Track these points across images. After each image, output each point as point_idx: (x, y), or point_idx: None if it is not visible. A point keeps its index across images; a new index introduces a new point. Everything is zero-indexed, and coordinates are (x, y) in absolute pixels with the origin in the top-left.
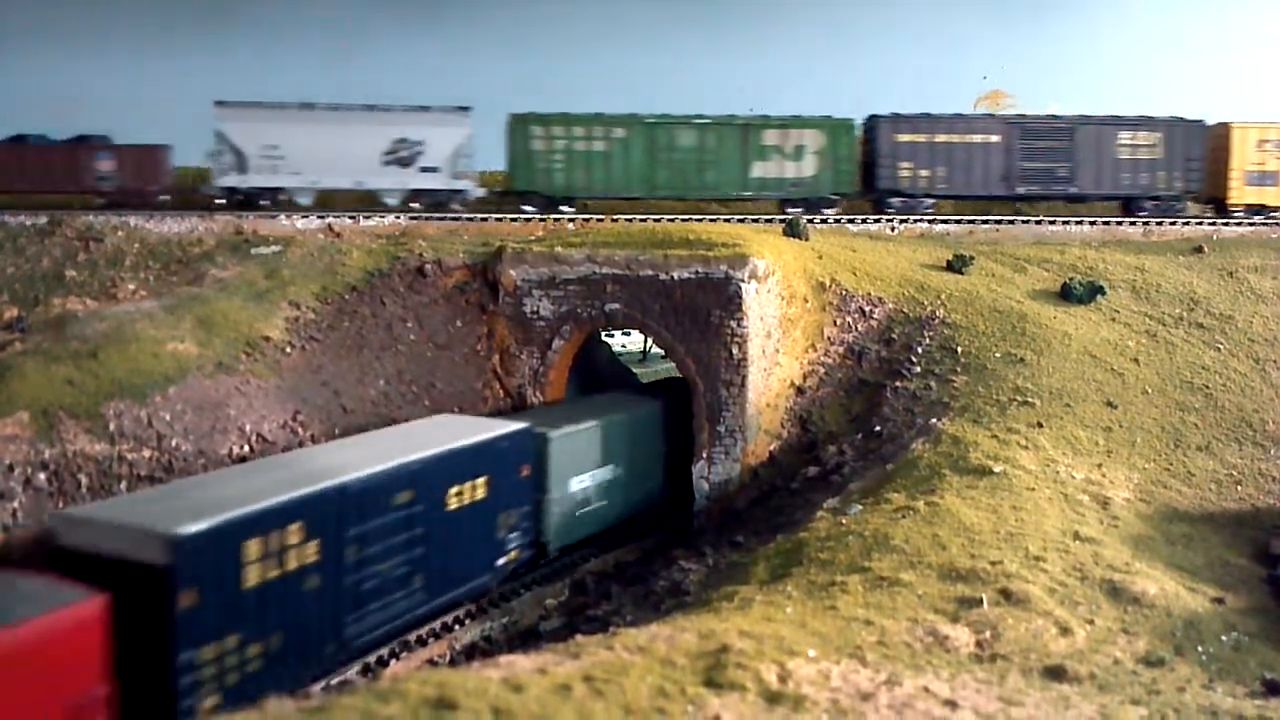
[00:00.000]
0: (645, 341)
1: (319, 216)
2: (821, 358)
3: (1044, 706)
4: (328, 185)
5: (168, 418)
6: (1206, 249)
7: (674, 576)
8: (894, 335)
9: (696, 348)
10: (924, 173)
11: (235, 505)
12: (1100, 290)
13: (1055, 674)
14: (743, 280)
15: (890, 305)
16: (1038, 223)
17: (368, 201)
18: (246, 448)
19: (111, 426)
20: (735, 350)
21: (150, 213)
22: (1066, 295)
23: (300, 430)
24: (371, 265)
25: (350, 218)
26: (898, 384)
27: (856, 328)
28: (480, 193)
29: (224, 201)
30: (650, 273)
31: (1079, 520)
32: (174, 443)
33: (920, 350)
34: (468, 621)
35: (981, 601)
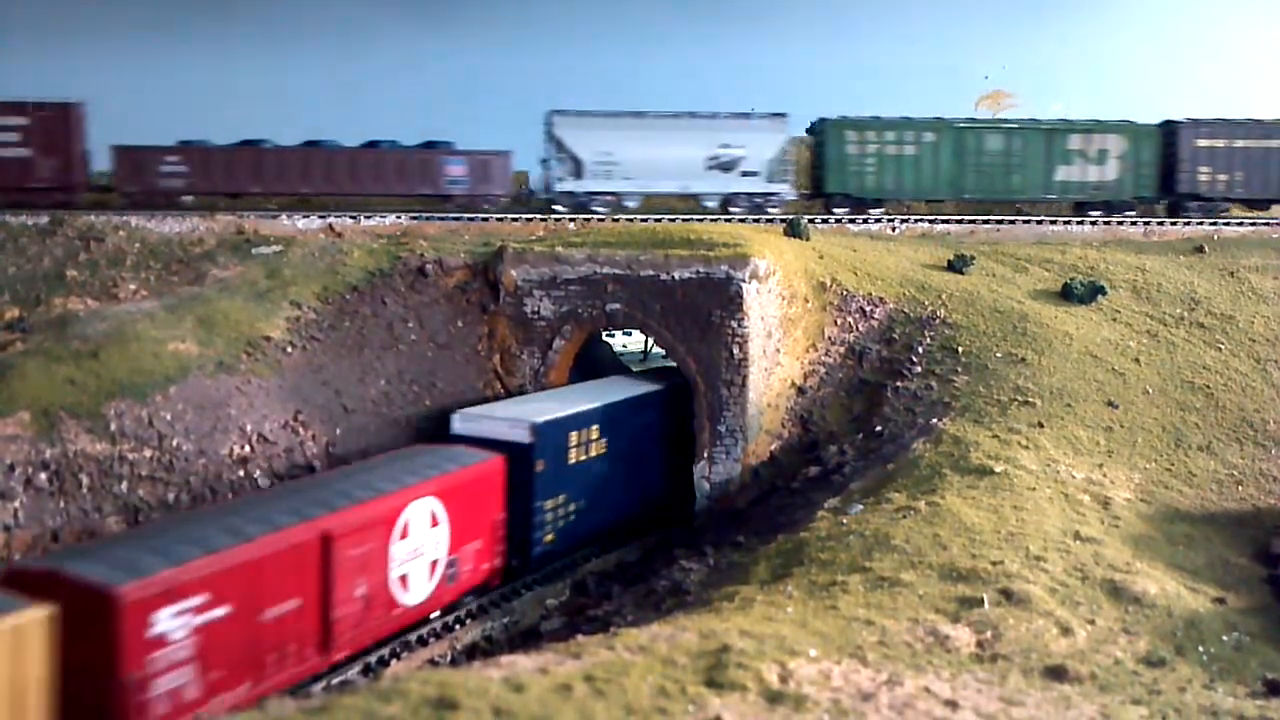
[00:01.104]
0: (646, 342)
1: (320, 216)
2: (822, 357)
3: (1045, 706)
4: (655, 190)
5: (169, 417)
6: (1207, 249)
7: (675, 576)
8: (895, 335)
9: (697, 348)
10: (1223, 177)
11: (565, 409)
12: (1101, 290)
13: (1056, 674)
14: (744, 280)
15: (891, 305)
16: (1039, 223)
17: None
18: (247, 447)
19: (112, 426)
20: (736, 350)
21: (151, 212)
22: (1067, 295)
23: (301, 430)
24: (373, 265)
25: (351, 217)
26: (899, 384)
27: (857, 327)
28: (793, 195)
29: (561, 207)
30: (651, 273)
31: (1080, 520)
32: (175, 442)
33: (921, 350)
34: (468, 621)
35: (982, 601)
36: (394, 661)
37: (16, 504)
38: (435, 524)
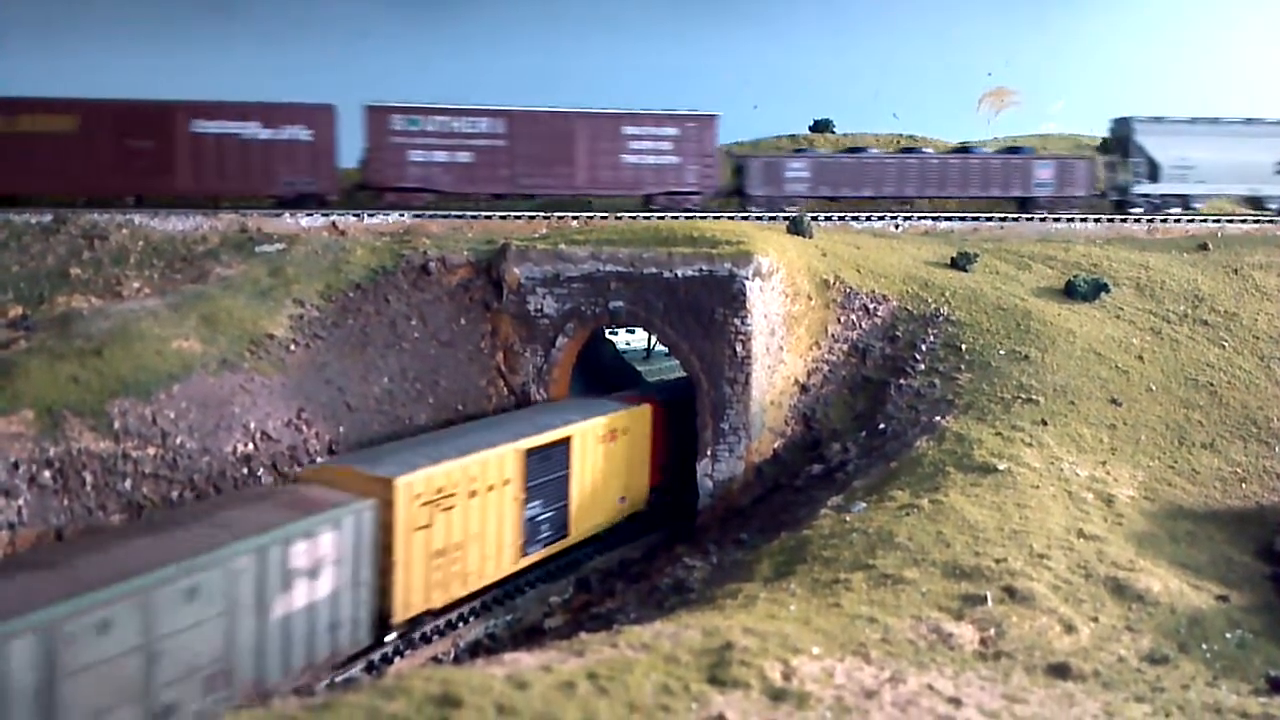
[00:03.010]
0: (649, 339)
1: (323, 214)
2: (825, 355)
3: (1048, 704)
4: (1224, 193)
5: (172, 415)
6: (1211, 246)
7: (678, 574)
8: (898, 332)
9: (700, 345)
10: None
11: None
12: (1104, 287)
13: (1059, 671)
14: (747, 278)
15: (894, 302)
16: (1041, 220)
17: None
18: (251, 445)
19: (116, 424)
20: (739, 348)
21: (154, 210)
22: (1071, 292)
23: (304, 428)
24: (375, 263)
25: (354, 215)
26: (902, 381)
27: (860, 325)
28: None
29: (1137, 209)
30: (654, 270)
31: (1083, 518)
32: (178, 440)
33: (924, 347)
34: (472, 619)
35: (986, 599)
36: (397, 659)
37: (20, 502)
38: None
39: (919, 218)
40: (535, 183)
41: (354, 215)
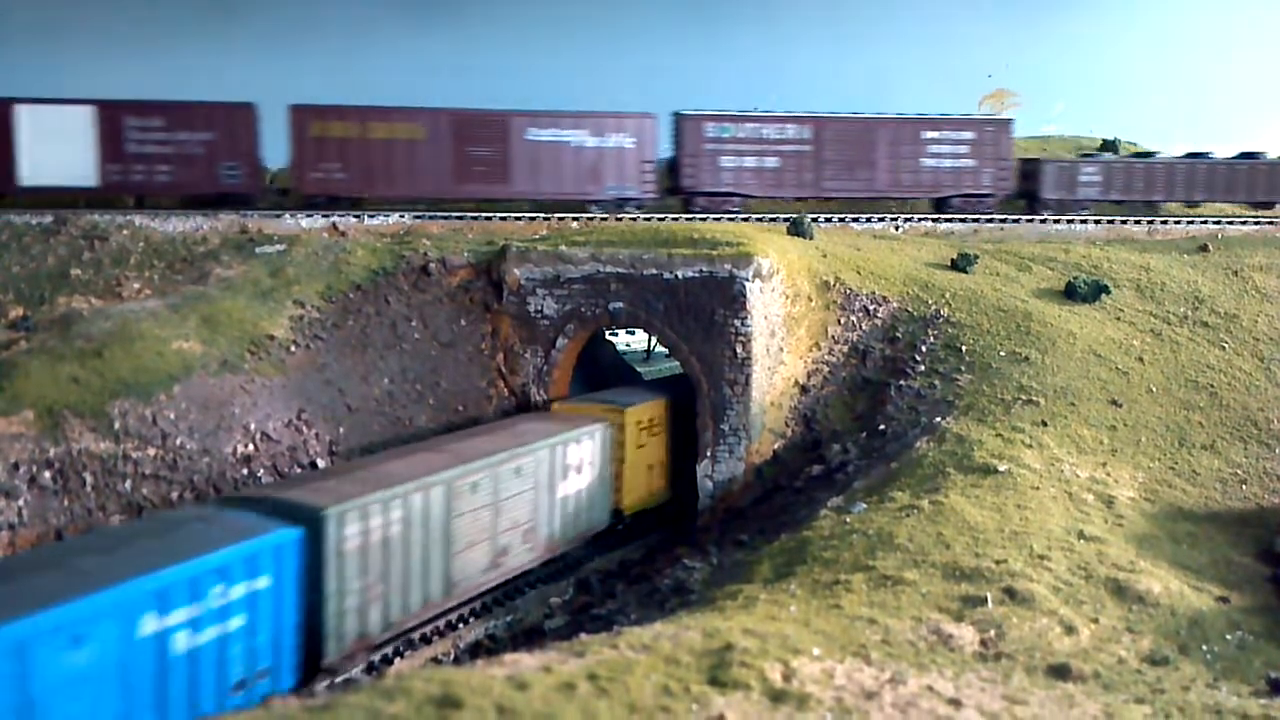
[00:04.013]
0: (649, 340)
1: (323, 215)
2: (825, 356)
3: (1048, 705)
4: None
5: (172, 416)
6: (1211, 247)
7: (678, 575)
8: (898, 334)
9: (701, 346)
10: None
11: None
12: (1105, 289)
13: (1060, 673)
14: (747, 279)
15: (894, 304)
16: (1041, 221)
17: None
18: (251, 446)
19: (116, 425)
20: (739, 349)
21: (154, 211)
22: (1071, 294)
23: (304, 429)
24: (376, 264)
25: (355, 217)
26: (902, 382)
27: (861, 326)
28: None
29: None
30: (654, 271)
31: (1083, 519)
32: (179, 441)
33: (924, 349)
34: (472, 620)
35: (986, 600)
36: (397, 660)
37: (20, 502)
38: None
39: (919, 219)
40: (839, 186)
41: (354, 216)
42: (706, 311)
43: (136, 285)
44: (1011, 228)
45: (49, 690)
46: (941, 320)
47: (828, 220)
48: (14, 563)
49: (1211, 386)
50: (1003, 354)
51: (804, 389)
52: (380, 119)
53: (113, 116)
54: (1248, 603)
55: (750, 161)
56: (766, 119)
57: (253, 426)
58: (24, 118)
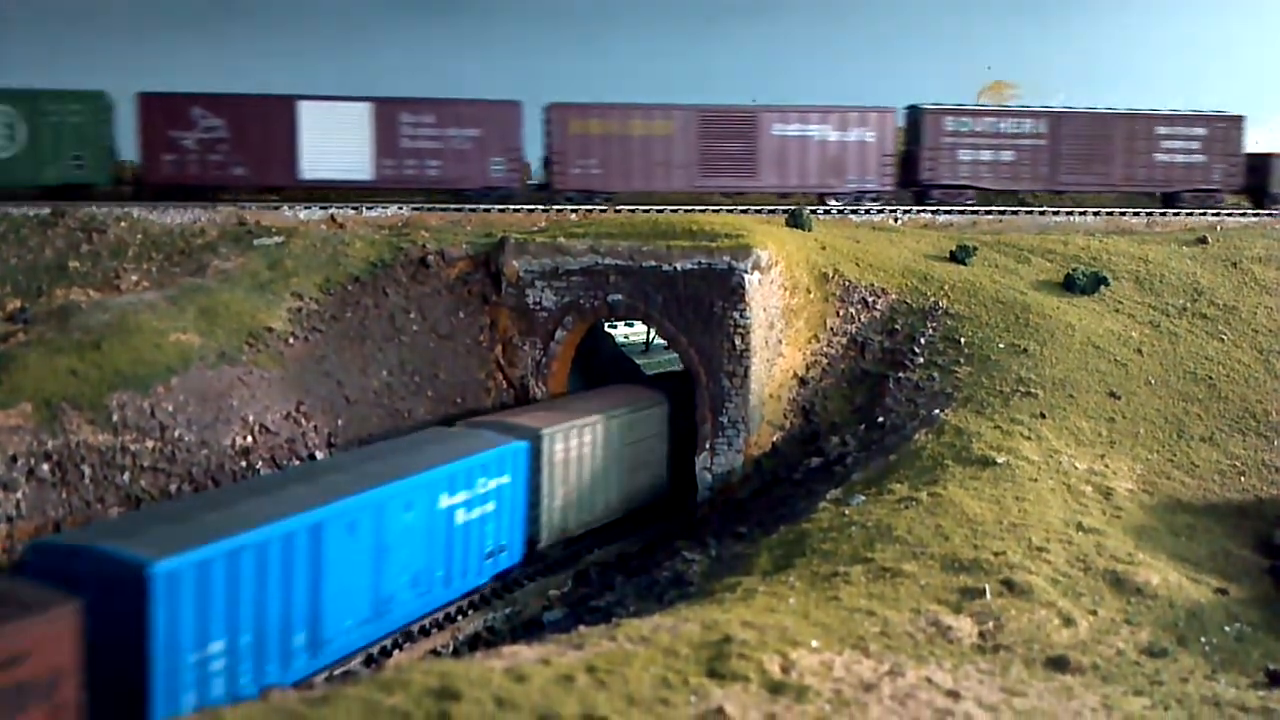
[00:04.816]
0: (648, 332)
1: (321, 207)
2: (824, 348)
3: (1047, 697)
4: None
5: (170, 408)
6: (1210, 239)
7: (677, 567)
8: (897, 326)
9: (699, 339)
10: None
11: None
12: (1104, 281)
13: (1058, 664)
14: (746, 271)
15: (893, 296)
16: (1040, 213)
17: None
18: (249, 438)
19: (115, 417)
20: (738, 341)
21: (153, 203)
22: (1070, 286)
23: (303, 421)
24: (374, 256)
25: (353, 209)
26: (900, 374)
27: (859, 318)
28: None
29: None
30: (653, 263)
31: (1082, 511)
32: (177, 433)
33: (923, 341)
34: (470, 612)
35: (984, 592)
36: (396, 652)
37: (19, 495)
38: None
39: (918, 211)
40: (1074, 180)
41: (352, 208)
42: (705, 303)
43: (134, 277)
44: (1010, 219)
45: (393, 536)
46: (940, 312)
47: (826, 212)
48: (335, 462)
49: (1210, 378)
50: (1001, 346)
51: (803, 381)
52: (640, 116)
53: (389, 113)
54: (1246, 594)
55: (986, 155)
56: (1004, 113)
57: (251, 418)
58: (306, 114)
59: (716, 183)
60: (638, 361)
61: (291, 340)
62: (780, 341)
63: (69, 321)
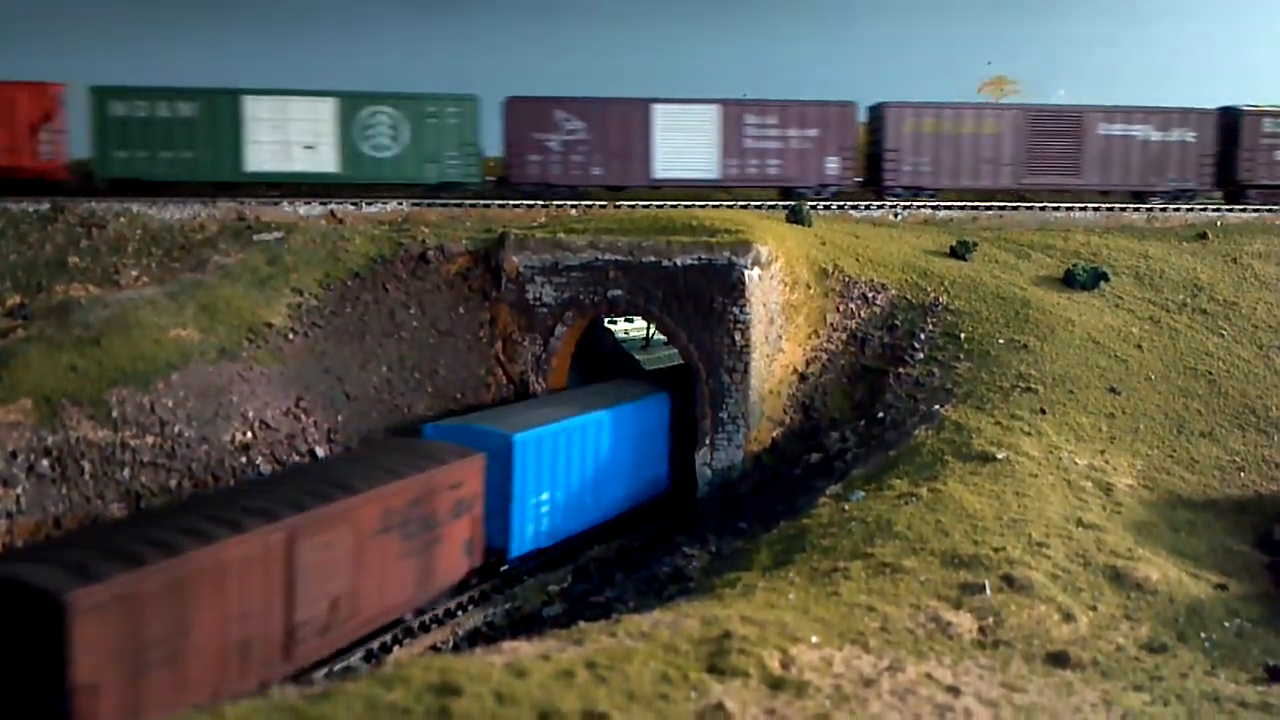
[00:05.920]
0: (648, 328)
1: (321, 203)
2: (824, 344)
3: (1047, 693)
4: None
5: (170, 404)
6: (1211, 235)
7: (677, 563)
8: (897, 321)
9: (699, 334)
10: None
11: None
12: (1104, 276)
13: (1058, 660)
14: (746, 267)
15: (893, 291)
16: (1041, 209)
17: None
18: (249, 434)
19: (114, 413)
20: (738, 337)
21: (152, 199)
22: (1070, 281)
23: (303, 416)
24: (374, 251)
25: (353, 204)
26: (901, 370)
27: (859, 314)
28: None
29: None
30: (653, 259)
31: (1082, 506)
32: (177, 429)
33: (923, 336)
34: (470, 608)
35: (984, 588)
36: (396, 648)
37: (19, 491)
38: None
39: (918, 207)
40: None
41: (352, 204)
42: (705, 299)
43: (134, 273)
44: (1011, 215)
45: (599, 442)
46: (940, 308)
47: (826, 208)
48: (542, 400)
49: (1210, 374)
50: (1001, 342)
51: (803, 377)
52: (971, 115)
53: (734, 114)
54: (1246, 590)
55: None
56: None
57: (251, 414)
58: (660, 116)
59: (1042, 180)
60: (637, 357)
61: (291, 336)
62: (780, 337)
63: (69, 317)
